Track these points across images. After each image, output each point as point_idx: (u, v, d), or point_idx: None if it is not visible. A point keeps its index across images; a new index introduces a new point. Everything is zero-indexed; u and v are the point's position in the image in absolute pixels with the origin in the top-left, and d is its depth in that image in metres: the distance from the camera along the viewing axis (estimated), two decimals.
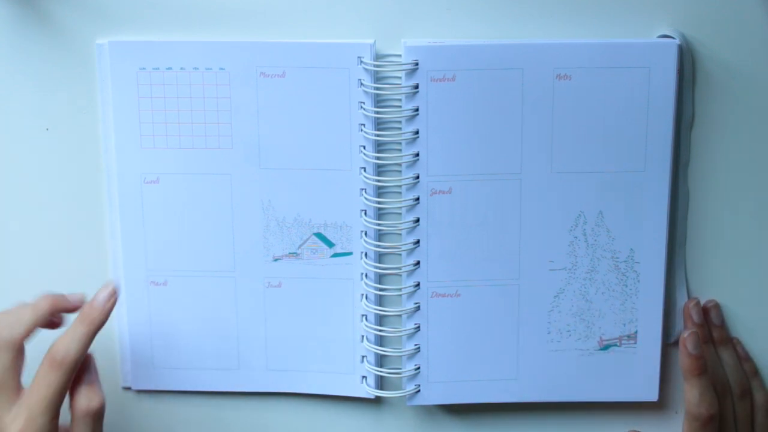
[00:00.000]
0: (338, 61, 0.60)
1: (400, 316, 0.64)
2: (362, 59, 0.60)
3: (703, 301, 0.64)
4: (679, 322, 0.64)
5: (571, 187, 0.62)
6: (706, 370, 0.61)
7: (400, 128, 0.61)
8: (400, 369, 0.64)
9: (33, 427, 0.55)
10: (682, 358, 0.62)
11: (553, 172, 0.61)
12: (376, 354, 0.64)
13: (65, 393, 0.56)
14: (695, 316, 0.63)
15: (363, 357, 0.64)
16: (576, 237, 0.62)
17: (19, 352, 0.57)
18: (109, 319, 0.65)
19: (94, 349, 0.67)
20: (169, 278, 0.64)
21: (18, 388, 0.56)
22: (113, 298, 0.58)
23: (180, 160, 0.62)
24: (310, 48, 0.60)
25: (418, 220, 0.62)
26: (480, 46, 0.60)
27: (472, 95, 0.60)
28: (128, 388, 0.67)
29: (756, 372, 0.65)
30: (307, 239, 0.63)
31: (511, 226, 0.62)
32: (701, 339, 0.62)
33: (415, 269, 0.63)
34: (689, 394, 0.61)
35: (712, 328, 0.64)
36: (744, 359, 0.65)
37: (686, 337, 0.61)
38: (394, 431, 0.67)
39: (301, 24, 0.61)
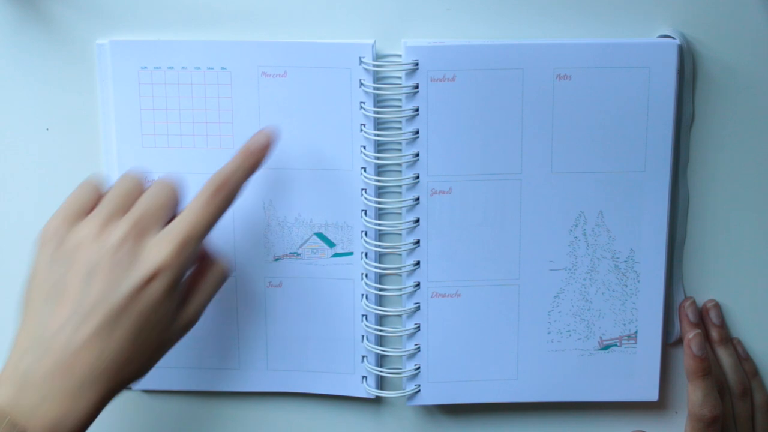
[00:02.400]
0: (339, 61, 0.60)
1: (400, 316, 0.64)
2: (363, 59, 0.60)
3: (702, 301, 0.65)
4: (678, 322, 0.64)
5: (571, 187, 0.62)
6: (710, 371, 0.61)
7: (400, 128, 0.61)
8: (400, 369, 0.64)
9: (185, 251, 0.51)
10: (687, 360, 0.62)
11: (553, 172, 0.61)
12: (377, 354, 0.64)
13: (216, 224, 0.53)
14: (691, 316, 0.63)
15: (363, 357, 0.64)
16: (576, 237, 0.63)
17: (180, 191, 0.54)
18: None
19: None
20: None
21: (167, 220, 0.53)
22: (271, 143, 0.56)
23: (181, 159, 0.62)
24: (311, 48, 0.60)
25: (418, 220, 0.62)
26: (480, 46, 0.60)
27: (472, 95, 0.60)
28: (128, 388, 0.66)
29: (755, 372, 0.65)
30: (308, 239, 0.63)
31: (511, 226, 0.62)
32: (705, 370, 0.62)
33: (415, 269, 0.63)
34: (693, 395, 0.61)
35: (712, 328, 0.64)
36: (744, 359, 0.65)
37: (691, 338, 0.61)
38: (394, 431, 0.67)
39: (302, 24, 0.61)
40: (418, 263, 0.63)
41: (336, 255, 0.63)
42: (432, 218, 0.62)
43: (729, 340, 0.65)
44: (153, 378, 0.65)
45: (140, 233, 0.51)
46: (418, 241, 0.62)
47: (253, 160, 0.55)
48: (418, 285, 0.63)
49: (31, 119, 0.64)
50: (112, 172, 0.63)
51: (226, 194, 0.53)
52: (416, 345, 0.64)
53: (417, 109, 0.60)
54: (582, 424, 0.66)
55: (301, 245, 0.63)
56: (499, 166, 0.61)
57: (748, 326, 0.65)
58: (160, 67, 0.61)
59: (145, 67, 0.61)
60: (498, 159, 0.61)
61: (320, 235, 0.63)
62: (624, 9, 0.61)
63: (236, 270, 0.64)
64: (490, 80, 0.60)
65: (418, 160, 0.61)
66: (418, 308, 0.63)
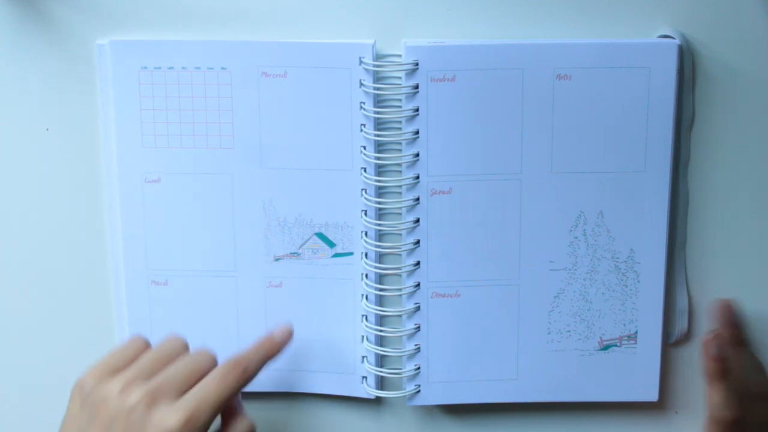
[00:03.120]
0: (339, 61, 0.60)
1: (400, 316, 0.64)
2: (363, 59, 0.60)
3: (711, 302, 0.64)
4: (679, 321, 0.64)
5: (571, 187, 0.62)
6: (729, 372, 0.61)
7: (400, 128, 0.61)
8: (400, 369, 0.64)
9: (194, 423, 0.53)
10: (705, 362, 0.61)
11: (553, 172, 0.61)
12: (377, 354, 0.64)
13: (231, 400, 0.57)
14: (714, 350, 0.62)
15: (363, 357, 0.64)
16: (576, 237, 0.63)
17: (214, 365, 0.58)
18: (109, 318, 0.66)
19: (94, 348, 0.67)
20: (170, 278, 0.64)
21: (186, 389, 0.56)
22: (289, 338, 0.61)
23: (181, 159, 0.62)
24: (311, 48, 0.60)
25: (418, 221, 0.62)
26: (480, 46, 0.60)
27: (472, 95, 0.60)
28: None
29: None
30: (308, 239, 0.63)
31: (511, 226, 0.62)
32: (726, 340, 0.62)
33: (415, 269, 0.63)
34: (713, 397, 0.61)
35: (732, 329, 0.64)
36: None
37: (709, 340, 0.61)
38: (394, 431, 0.67)
39: (302, 24, 0.61)
40: (418, 263, 0.63)
41: (336, 255, 0.63)
42: (432, 218, 0.62)
43: (749, 340, 0.64)
44: None
45: (154, 400, 0.54)
46: (418, 241, 0.62)
47: (274, 350, 0.60)
48: (418, 285, 0.63)
49: (31, 119, 0.64)
50: (113, 171, 0.63)
51: (241, 375, 0.57)
52: (416, 345, 0.64)
53: (417, 109, 0.61)
54: (582, 424, 0.66)
55: (301, 245, 0.63)
56: (499, 166, 0.61)
57: (748, 326, 0.65)
58: (160, 67, 0.61)
59: (145, 67, 0.61)
60: (498, 159, 0.61)
61: (320, 235, 0.63)
62: (624, 9, 0.61)
63: (236, 270, 0.64)
64: (490, 80, 0.60)
65: (418, 160, 0.61)
66: (418, 308, 0.63)
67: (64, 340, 0.67)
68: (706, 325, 0.65)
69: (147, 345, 0.58)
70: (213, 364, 0.57)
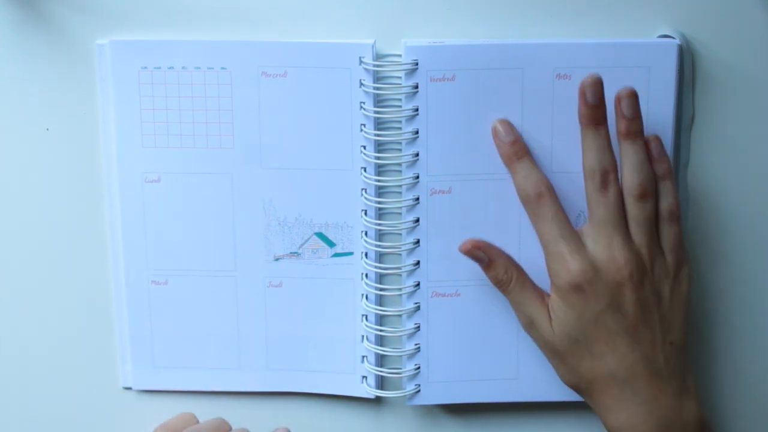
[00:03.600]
0: (339, 61, 0.60)
1: (400, 316, 0.64)
2: (363, 59, 0.60)
3: (707, 303, 0.64)
4: None
5: (571, 187, 0.62)
6: (604, 123, 0.56)
7: (400, 128, 0.61)
8: (400, 369, 0.64)
9: None
10: (580, 107, 0.57)
11: (553, 172, 0.61)
12: (377, 354, 0.64)
13: None
14: (590, 96, 0.56)
15: (363, 357, 0.64)
16: None
17: None
18: (109, 318, 0.66)
19: (94, 348, 0.67)
20: (170, 277, 0.64)
21: None
22: None
23: (181, 159, 0.62)
24: (311, 48, 0.60)
25: (418, 220, 0.62)
26: (480, 46, 0.60)
27: (472, 95, 0.60)
28: (128, 388, 0.67)
29: (668, 175, 0.59)
30: (308, 239, 0.63)
31: (511, 226, 0.62)
32: (598, 119, 0.56)
33: (415, 269, 0.63)
34: (588, 148, 0.57)
35: (620, 120, 0.57)
36: (656, 160, 0.58)
37: (586, 81, 0.56)
38: (394, 431, 0.67)
39: (302, 24, 0.61)
40: (418, 263, 0.63)
41: (336, 255, 0.63)
42: (432, 218, 0.62)
43: (639, 135, 0.57)
44: (153, 378, 0.66)
45: None
46: (418, 241, 0.62)
47: None
48: (418, 285, 0.63)
49: (31, 119, 0.64)
50: (113, 171, 0.63)
51: None
52: (416, 345, 0.64)
53: (417, 109, 0.61)
54: (582, 424, 0.66)
55: (301, 245, 0.63)
56: (499, 166, 0.61)
57: (748, 327, 0.65)
58: (160, 67, 0.61)
59: (145, 67, 0.61)
60: (498, 159, 0.61)
61: (320, 235, 0.63)
62: (624, 9, 0.61)
63: (236, 270, 0.64)
64: (490, 80, 0.60)
65: (418, 160, 0.61)
66: (418, 308, 0.63)
67: (64, 339, 0.67)
68: (705, 322, 0.65)
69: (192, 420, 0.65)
70: None
